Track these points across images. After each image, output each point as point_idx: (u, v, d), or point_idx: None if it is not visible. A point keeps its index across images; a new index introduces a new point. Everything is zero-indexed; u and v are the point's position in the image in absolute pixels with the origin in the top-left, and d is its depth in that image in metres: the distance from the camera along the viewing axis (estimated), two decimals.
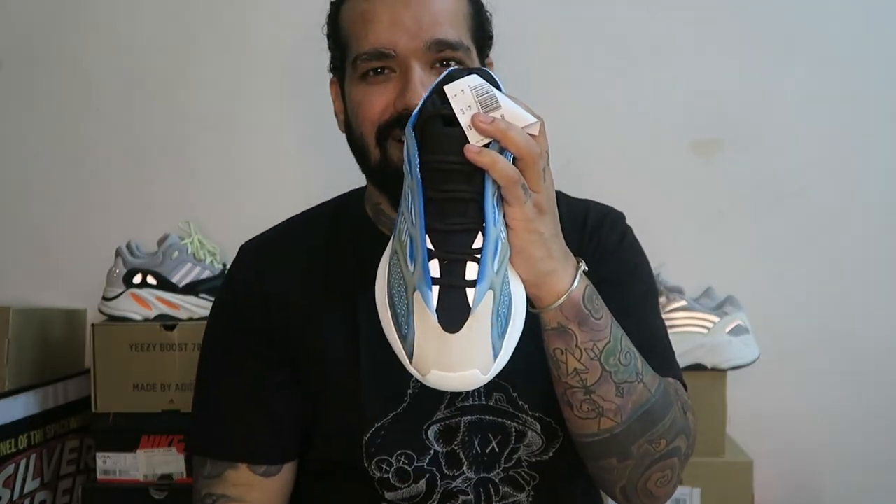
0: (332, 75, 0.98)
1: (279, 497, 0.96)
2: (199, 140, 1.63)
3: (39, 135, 1.65)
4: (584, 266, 0.78)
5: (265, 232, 1.03)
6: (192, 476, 0.99)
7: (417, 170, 0.68)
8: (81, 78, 1.63)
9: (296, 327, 0.94)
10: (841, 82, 1.55)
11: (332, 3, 0.96)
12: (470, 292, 0.65)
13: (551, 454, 0.92)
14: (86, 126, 1.64)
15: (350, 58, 0.90)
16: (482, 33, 0.94)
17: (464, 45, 0.89)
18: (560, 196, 1.02)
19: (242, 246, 1.02)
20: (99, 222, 1.64)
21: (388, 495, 0.90)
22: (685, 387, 0.96)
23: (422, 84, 0.85)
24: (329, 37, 0.96)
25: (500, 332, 0.67)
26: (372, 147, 0.90)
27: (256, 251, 1.00)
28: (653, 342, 0.93)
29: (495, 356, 0.67)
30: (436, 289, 0.65)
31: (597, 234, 0.98)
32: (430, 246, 0.66)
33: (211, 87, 1.62)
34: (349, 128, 0.94)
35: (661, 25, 1.56)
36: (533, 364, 0.81)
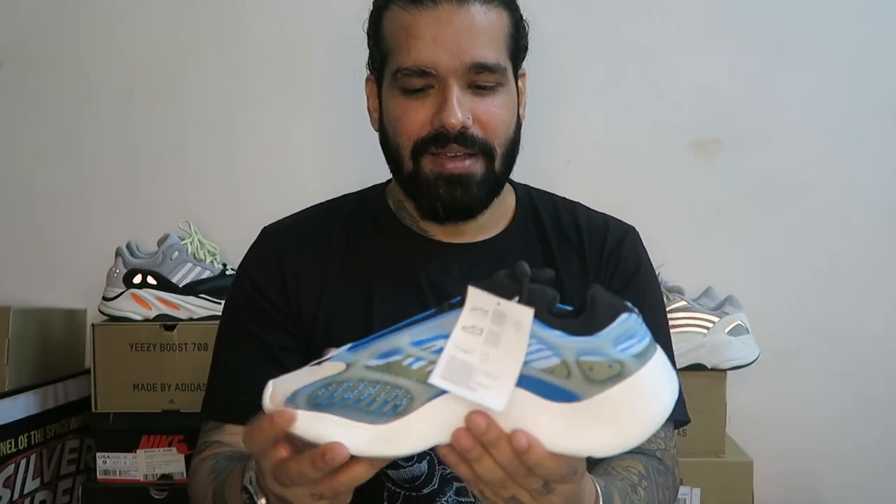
0: (368, 72, 1.00)
1: None
2: (199, 140, 1.63)
3: (39, 135, 1.65)
4: None
5: (287, 217, 1.05)
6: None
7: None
8: (81, 78, 1.63)
9: (309, 308, 0.95)
10: (841, 82, 1.55)
11: (374, 4, 0.97)
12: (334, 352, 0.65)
13: None
14: (86, 126, 1.64)
15: (391, 67, 0.92)
16: (518, 49, 0.96)
17: (501, 67, 0.91)
18: (579, 209, 1.05)
19: (263, 229, 1.04)
20: (99, 222, 1.63)
21: (392, 473, 0.92)
22: (687, 419, 0.99)
23: (459, 104, 0.89)
24: (370, 36, 0.97)
25: (310, 400, 0.63)
26: (406, 159, 0.93)
27: (276, 233, 1.03)
28: None
29: (286, 402, 0.64)
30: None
31: (616, 255, 1.01)
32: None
33: (211, 88, 1.62)
34: (384, 133, 0.96)
35: (662, 25, 1.56)
36: None
